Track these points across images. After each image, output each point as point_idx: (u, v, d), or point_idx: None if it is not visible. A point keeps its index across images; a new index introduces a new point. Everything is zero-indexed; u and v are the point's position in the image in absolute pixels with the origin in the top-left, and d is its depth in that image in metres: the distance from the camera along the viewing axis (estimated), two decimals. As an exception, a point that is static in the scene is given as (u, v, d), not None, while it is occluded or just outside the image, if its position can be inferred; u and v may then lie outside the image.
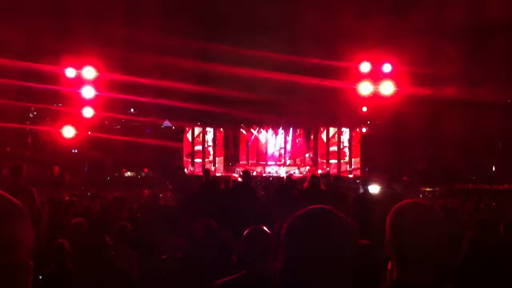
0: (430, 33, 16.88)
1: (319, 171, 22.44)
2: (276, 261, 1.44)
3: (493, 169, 21.14)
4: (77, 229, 5.31)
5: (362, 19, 16.40)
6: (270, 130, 24.42)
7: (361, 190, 8.32)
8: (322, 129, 23.99)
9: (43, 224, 6.09)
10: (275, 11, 18.67)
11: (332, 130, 23.83)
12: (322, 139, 24.02)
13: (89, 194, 12.08)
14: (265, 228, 3.06)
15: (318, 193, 7.52)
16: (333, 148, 23.77)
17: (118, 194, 11.86)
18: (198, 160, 23.84)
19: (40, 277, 4.08)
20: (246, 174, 8.46)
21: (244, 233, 3.06)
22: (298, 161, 24.42)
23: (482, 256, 2.98)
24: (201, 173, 18.30)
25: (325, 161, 23.77)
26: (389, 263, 2.02)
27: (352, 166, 23.42)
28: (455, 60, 16.93)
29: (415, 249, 1.66)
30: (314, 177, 8.05)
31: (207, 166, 22.22)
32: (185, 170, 21.79)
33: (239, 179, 13.59)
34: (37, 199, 5.99)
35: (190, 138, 24.00)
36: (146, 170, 22.31)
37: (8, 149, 18.73)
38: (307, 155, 24.40)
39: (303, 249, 1.32)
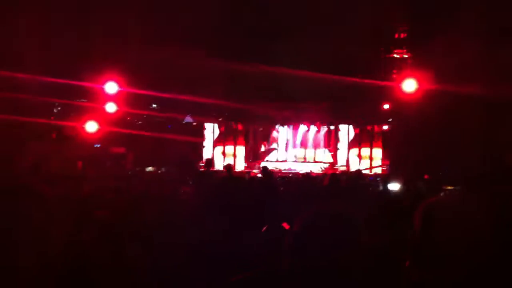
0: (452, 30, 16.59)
1: (339, 168, 22.35)
2: (286, 259, 1.45)
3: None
4: (98, 223, 5.39)
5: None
6: (290, 126, 24.37)
7: (381, 188, 8.27)
8: (343, 125, 23.85)
9: (59, 221, 6.18)
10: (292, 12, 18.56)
11: (353, 127, 23.68)
12: (343, 136, 23.88)
13: (110, 188, 12.21)
14: (284, 224, 3.07)
15: (338, 190, 7.48)
16: (354, 145, 23.62)
17: (140, 188, 11.95)
18: (218, 155, 23.92)
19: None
20: (265, 170, 8.47)
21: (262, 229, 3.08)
22: (318, 157, 24.31)
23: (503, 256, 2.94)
24: (223, 169, 18.43)
25: (345, 157, 23.64)
26: (407, 262, 2.02)
27: (373, 163, 23.21)
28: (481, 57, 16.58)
29: (436, 247, 1.66)
30: (334, 174, 8.02)
31: (228, 161, 22.27)
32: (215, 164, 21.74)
33: (259, 175, 13.61)
34: (55, 194, 6.07)
35: (211, 134, 24.09)
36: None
37: (32, 144, 19.06)
38: (327, 151, 24.28)
39: (311, 247, 1.33)
